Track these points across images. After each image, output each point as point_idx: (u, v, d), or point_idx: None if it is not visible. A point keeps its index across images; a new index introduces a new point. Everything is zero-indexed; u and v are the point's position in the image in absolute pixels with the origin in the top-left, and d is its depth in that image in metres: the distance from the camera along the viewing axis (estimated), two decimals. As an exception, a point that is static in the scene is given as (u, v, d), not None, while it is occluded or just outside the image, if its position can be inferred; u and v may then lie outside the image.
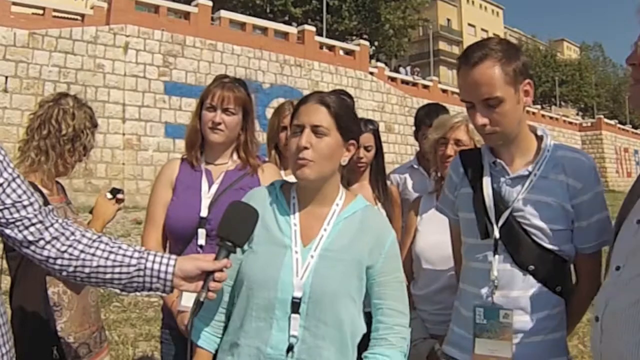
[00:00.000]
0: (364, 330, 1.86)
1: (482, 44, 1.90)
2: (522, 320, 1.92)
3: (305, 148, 1.76)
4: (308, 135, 1.77)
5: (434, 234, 2.69)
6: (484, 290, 1.96)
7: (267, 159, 2.82)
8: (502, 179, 1.98)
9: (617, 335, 1.42)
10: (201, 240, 2.42)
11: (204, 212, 2.43)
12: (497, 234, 1.94)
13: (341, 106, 1.83)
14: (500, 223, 1.94)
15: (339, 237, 1.83)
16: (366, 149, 3.14)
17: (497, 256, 1.94)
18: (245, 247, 1.86)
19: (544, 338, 1.93)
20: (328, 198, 1.88)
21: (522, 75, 1.88)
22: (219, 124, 2.47)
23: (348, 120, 1.84)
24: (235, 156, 2.60)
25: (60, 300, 2.46)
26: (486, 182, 2.00)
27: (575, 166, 1.93)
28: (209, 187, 2.50)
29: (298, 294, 1.75)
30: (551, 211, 1.90)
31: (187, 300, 2.23)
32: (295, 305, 1.74)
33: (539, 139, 2.02)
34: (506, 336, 1.91)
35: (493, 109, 1.85)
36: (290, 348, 1.73)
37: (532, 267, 1.92)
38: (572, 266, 2.04)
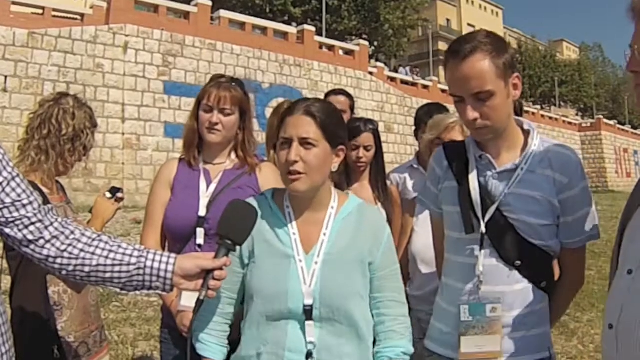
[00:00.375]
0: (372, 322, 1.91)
1: (471, 37, 1.88)
2: (506, 316, 1.91)
3: (295, 162, 1.77)
4: (297, 149, 1.78)
5: (429, 234, 2.69)
6: (469, 286, 1.94)
7: (265, 159, 2.82)
8: (489, 173, 1.95)
9: (637, 345, 1.34)
10: (200, 240, 2.42)
11: (202, 212, 2.43)
12: (483, 228, 1.92)
13: (327, 114, 1.83)
14: (486, 218, 1.92)
15: (339, 239, 1.85)
16: (366, 148, 3.14)
17: (483, 251, 1.92)
18: (247, 261, 1.87)
19: (526, 334, 1.92)
20: (322, 203, 1.90)
21: (510, 69, 1.86)
22: (216, 124, 2.47)
23: (335, 128, 1.85)
24: (233, 155, 2.60)
25: (61, 299, 2.46)
26: (472, 176, 1.97)
27: (562, 161, 1.92)
28: (207, 186, 2.50)
29: (309, 302, 1.77)
30: (538, 206, 1.89)
31: (187, 300, 2.22)
32: (308, 313, 1.77)
33: (526, 133, 2.00)
34: (495, 330, 1.90)
35: (484, 103, 1.83)
36: (309, 354, 1.76)
37: (518, 263, 1.90)
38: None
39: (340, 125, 1.90)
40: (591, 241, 1.99)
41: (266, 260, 1.84)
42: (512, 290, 1.91)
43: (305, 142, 1.79)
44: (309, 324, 1.77)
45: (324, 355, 1.77)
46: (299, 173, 1.78)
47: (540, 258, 1.93)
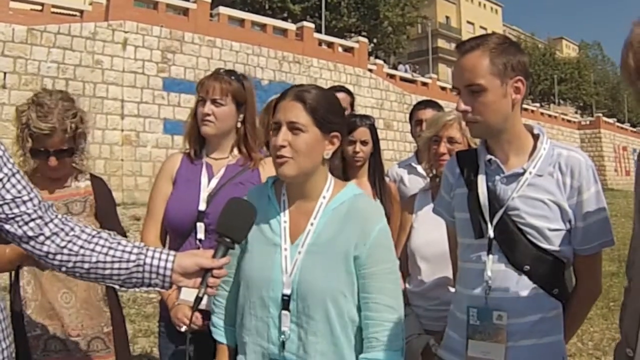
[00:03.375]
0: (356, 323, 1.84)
1: (481, 36, 1.90)
2: (516, 323, 1.86)
3: (282, 146, 1.77)
4: (285, 133, 1.78)
5: (429, 231, 2.69)
6: (478, 291, 1.91)
7: (268, 154, 2.79)
8: (497, 177, 1.93)
9: None
10: (200, 235, 2.40)
11: (202, 206, 2.42)
12: (491, 233, 1.90)
13: (319, 100, 1.82)
14: (494, 222, 1.90)
15: (324, 231, 1.82)
16: (362, 143, 3.14)
17: (491, 256, 1.90)
18: (242, 246, 1.88)
19: (537, 342, 1.87)
20: (314, 192, 1.87)
21: (514, 71, 1.84)
22: (208, 115, 2.44)
23: (327, 114, 1.82)
24: (235, 150, 2.57)
25: (25, 292, 2.44)
26: (481, 180, 1.95)
27: (572, 164, 1.88)
28: (209, 180, 2.48)
29: (287, 291, 1.77)
30: (547, 210, 1.86)
31: (187, 295, 2.23)
32: (285, 302, 1.77)
33: (535, 137, 1.97)
34: (499, 338, 1.86)
35: (476, 97, 1.83)
36: (283, 344, 1.77)
37: (527, 268, 1.87)
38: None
39: (332, 111, 1.85)
40: (606, 247, 1.93)
41: (256, 247, 1.86)
42: (522, 296, 1.87)
43: (293, 127, 1.78)
44: (284, 313, 1.77)
45: (297, 348, 1.77)
46: (286, 157, 1.78)
47: (551, 264, 1.88)
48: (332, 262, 1.78)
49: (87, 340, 2.52)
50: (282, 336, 1.76)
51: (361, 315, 1.80)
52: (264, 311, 1.79)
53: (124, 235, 2.53)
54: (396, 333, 1.78)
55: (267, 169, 2.53)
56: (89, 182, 2.65)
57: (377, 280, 1.78)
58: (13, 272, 2.48)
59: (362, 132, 3.13)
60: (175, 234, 2.48)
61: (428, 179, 2.98)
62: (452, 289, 2.53)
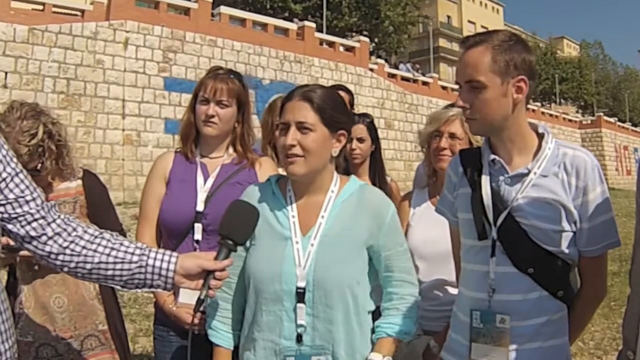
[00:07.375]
0: (372, 307, 1.92)
1: (488, 32, 1.87)
2: (520, 325, 1.83)
3: (292, 146, 1.80)
4: (294, 133, 1.81)
5: (426, 229, 2.65)
6: (482, 294, 1.88)
7: (262, 153, 2.78)
8: (501, 178, 1.89)
9: None
10: (197, 235, 2.38)
11: (199, 207, 2.39)
12: (494, 234, 1.86)
13: (325, 99, 1.85)
14: (498, 223, 1.86)
15: (337, 222, 1.87)
16: (359, 140, 3.15)
17: (494, 258, 1.86)
18: (248, 243, 1.89)
19: (542, 345, 1.83)
20: (323, 187, 1.92)
21: (517, 70, 1.80)
22: (212, 116, 2.42)
23: (333, 113, 1.86)
24: (231, 149, 2.55)
25: (21, 298, 2.44)
26: (485, 180, 1.92)
27: (577, 164, 1.83)
28: (205, 180, 2.45)
29: (302, 284, 1.79)
30: (552, 211, 1.81)
31: (185, 297, 2.22)
32: (301, 295, 1.79)
33: (540, 136, 1.93)
34: (502, 342, 1.83)
35: (476, 94, 1.80)
36: (299, 337, 1.78)
37: (531, 270, 1.83)
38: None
39: (339, 109, 1.90)
40: (611, 249, 1.89)
41: (265, 242, 1.87)
42: (527, 299, 1.84)
43: (302, 127, 1.81)
44: (300, 306, 1.79)
45: (314, 339, 1.79)
46: (297, 156, 1.80)
47: (555, 265, 1.84)
48: (346, 251, 1.84)
49: (80, 340, 2.52)
50: (299, 329, 1.78)
51: (384, 292, 1.94)
52: (277, 305, 1.81)
53: (123, 231, 2.53)
54: (415, 306, 1.95)
55: (263, 168, 2.53)
56: (80, 182, 2.63)
57: (398, 260, 1.93)
58: (6, 279, 2.47)
59: (359, 130, 3.14)
60: (171, 235, 2.44)
61: (425, 175, 2.95)
62: (451, 289, 2.53)
